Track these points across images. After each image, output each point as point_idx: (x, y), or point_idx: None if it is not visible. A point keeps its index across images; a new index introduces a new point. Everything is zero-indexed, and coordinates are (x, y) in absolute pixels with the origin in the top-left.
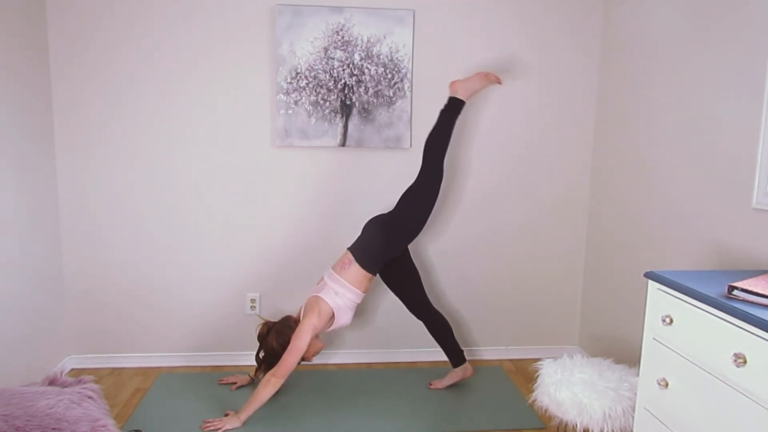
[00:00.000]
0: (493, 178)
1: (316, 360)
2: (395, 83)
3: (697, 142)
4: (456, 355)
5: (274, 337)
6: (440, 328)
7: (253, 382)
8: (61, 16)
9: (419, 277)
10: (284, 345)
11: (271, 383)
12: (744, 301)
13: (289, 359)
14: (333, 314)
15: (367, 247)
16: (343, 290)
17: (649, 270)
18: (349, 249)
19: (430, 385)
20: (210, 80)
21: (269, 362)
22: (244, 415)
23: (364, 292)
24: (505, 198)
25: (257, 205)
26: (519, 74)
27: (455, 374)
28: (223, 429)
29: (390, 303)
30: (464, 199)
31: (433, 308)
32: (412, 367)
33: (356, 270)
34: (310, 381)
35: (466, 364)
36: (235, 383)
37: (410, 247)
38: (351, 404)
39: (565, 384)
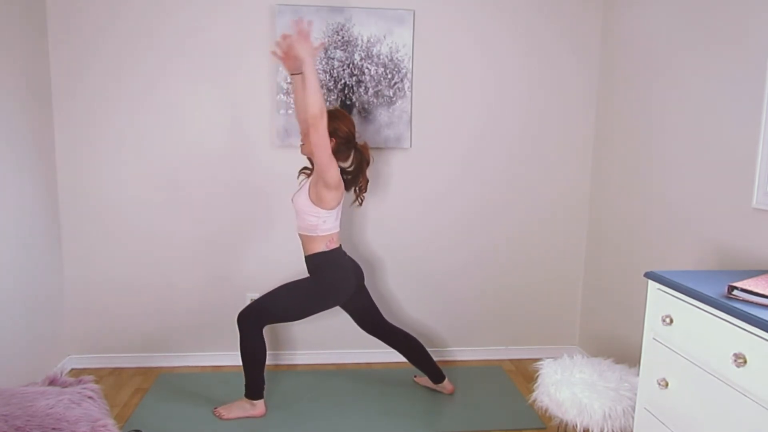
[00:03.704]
0: (494, 179)
1: (314, 361)
2: (395, 83)
3: (697, 143)
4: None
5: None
6: (412, 348)
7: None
8: (61, 16)
9: (374, 306)
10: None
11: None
12: (744, 301)
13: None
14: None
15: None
16: (319, 227)
17: (649, 270)
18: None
19: (415, 377)
20: (210, 81)
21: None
22: (309, 68)
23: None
24: (505, 198)
25: (257, 205)
26: (518, 76)
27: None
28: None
29: (390, 304)
30: (466, 199)
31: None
32: (412, 367)
33: (321, 245)
34: (309, 381)
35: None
36: None
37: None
38: (351, 404)
39: (565, 384)
